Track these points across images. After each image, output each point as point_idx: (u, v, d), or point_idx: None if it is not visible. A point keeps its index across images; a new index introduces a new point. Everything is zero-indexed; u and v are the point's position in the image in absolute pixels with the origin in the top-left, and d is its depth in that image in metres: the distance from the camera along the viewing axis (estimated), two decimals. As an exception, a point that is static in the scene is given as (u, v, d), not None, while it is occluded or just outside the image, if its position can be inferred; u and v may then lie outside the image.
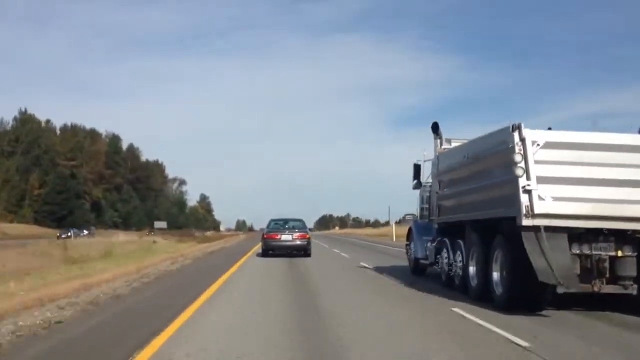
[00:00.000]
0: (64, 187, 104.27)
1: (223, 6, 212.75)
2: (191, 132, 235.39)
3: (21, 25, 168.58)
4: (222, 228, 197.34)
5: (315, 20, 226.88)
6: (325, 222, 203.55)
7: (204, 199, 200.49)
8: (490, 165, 9.69)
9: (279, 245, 22.24)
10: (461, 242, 11.22)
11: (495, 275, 9.39)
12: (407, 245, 15.89)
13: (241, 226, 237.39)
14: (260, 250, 23.96)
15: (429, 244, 13.66)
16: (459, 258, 11.25)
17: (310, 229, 26.64)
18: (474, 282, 10.35)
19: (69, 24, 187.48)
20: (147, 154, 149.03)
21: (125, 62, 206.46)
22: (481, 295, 9.90)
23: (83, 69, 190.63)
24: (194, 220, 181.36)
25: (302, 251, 22.13)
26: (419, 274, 14.75)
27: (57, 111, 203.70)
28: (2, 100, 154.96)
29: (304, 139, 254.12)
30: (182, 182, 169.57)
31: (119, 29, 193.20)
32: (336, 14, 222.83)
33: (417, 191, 15.09)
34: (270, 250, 22.40)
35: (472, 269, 10.48)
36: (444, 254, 12.26)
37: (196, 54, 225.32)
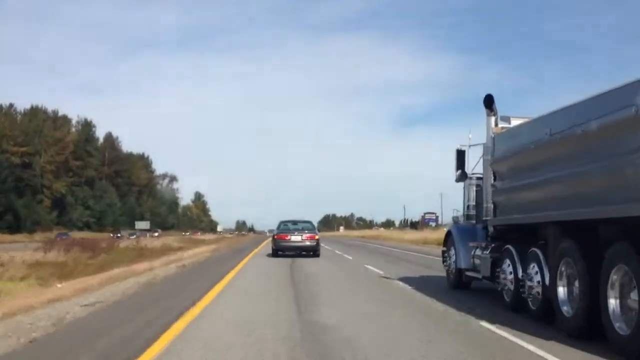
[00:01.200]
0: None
1: (223, 5, 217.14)
2: (191, 131, 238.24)
3: (22, 23, 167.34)
4: (219, 229, 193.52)
5: (316, 20, 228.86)
6: (328, 222, 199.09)
7: (199, 197, 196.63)
8: (601, 140, 6.57)
9: (289, 245, 22.72)
10: (538, 252, 8.15)
11: (613, 303, 6.25)
12: (444, 252, 12.93)
13: (241, 227, 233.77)
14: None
15: (478, 252, 10.78)
16: (536, 273, 8.18)
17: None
18: (567, 310, 7.24)
19: (68, 23, 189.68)
20: (148, 155, 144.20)
21: (124, 61, 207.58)
22: (583, 330, 6.83)
23: (82, 66, 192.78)
24: (187, 220, 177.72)
25: (311, 251, 22.66)
26: (461, 288, 11.82)
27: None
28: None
29: (304, 138, 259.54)
30: (173, 179, 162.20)
31: (118, 27, 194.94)
32: (337, 13, 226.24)
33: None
34: (280, 250, 22.95)
35: (562, 291, 7.38)
36: (507, 267, 9.18)
37: (196, 53, 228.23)
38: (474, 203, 11.51)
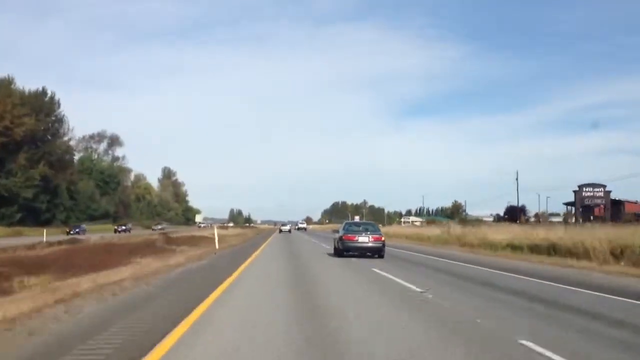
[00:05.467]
0: None
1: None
2: (190, 122, 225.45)
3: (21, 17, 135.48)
4: (198, 219, 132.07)
5: (318, 10, 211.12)
6: (338, 212, 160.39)
7: (168, 175, 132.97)
8: None
9: (356, 246, 23.82)
10: None
11: None
12: None
13: (236, 218, 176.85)
14: None
15: None
16: None
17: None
18: None
19: (70, 16, 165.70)
20: (53, 93, 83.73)
21: (126, 53, 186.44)
22: None
23: (83, 60, 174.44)
24: (145, 207, 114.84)
25: (377, 252, 23.69)
26: None
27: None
28: None
29: (304, 129, 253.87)
30: (115, 141, 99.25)
31: (121, 19, 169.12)
32: (339, 4, 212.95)
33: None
34: (346, 250, 23.93)
35: None
36: None
37: (197, 45, 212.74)
38: None
